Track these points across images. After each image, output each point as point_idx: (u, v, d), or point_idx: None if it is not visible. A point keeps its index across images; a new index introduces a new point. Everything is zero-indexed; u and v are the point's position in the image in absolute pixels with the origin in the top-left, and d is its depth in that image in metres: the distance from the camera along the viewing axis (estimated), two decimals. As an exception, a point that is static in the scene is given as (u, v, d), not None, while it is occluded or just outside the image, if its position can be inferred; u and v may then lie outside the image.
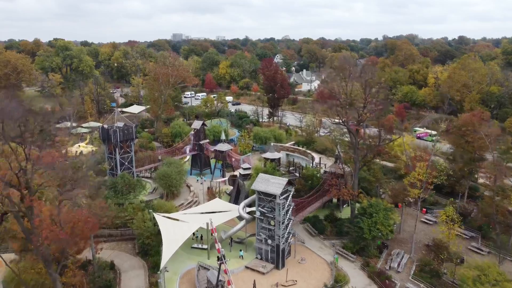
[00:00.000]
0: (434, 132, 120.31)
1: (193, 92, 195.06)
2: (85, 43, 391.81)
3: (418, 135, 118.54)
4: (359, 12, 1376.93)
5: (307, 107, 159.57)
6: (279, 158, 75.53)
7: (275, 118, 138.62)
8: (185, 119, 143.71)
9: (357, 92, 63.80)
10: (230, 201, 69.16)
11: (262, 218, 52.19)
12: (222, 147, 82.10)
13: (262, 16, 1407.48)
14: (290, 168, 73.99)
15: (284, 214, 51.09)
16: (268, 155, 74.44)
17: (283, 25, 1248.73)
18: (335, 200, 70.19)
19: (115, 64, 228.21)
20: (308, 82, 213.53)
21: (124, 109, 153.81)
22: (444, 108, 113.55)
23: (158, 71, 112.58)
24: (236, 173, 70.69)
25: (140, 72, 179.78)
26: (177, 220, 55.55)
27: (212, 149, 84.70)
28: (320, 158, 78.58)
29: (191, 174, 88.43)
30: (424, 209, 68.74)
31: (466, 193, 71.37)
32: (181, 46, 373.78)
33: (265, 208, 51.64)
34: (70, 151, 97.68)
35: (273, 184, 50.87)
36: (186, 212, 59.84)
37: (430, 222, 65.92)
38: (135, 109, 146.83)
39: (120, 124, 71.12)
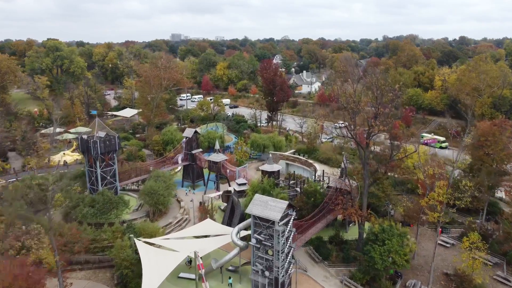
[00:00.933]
0: (442, 138, 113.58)
1: (189, 94, 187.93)
2: (80, 43, 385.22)
3: (425, 141, 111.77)
4: (358, 13, 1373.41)
5: (307, 110, 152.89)
6: (278, 171, 68.50)
7: (274, 122, 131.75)
8: (179, 124, 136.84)
9: (365, 99, 56.82)
10: (223, 221, 62.20)
11: (259, 246, 45.17)
12: (216, 157, 75.05)
13: (261, 16, 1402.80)
14: (290, 182, 66.98)
15: (283, 243, 44.09)
16: (266, 167, 67.42)
17: (282, 25, 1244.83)
18: (340, 216, 63.18)
19: (110, 65, 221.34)
20: (309, 84, 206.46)
21: (116, 113, 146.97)
22: (468, 117, 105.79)
23: (149, 74, 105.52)
24: (231, 188, 63.62)
25: (133, 74, 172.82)
26: (162, 246, 48.67)
27: (205, 160, 77.58)
28: (323, 171, 71.50)
29: (182, 186, 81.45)
30: (440, 229, 61.76)
31: (485, 210, 64.48)
32: (179, 47, 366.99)
33: (261, 235, 44.63)
34: (53, 159, 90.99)
35: (272, 208, 43.85)
36: (173, 236, 52.78)
37: (447, 245, 58.95)
38: (127, 112, 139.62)
39: (102, 134, 64.05)
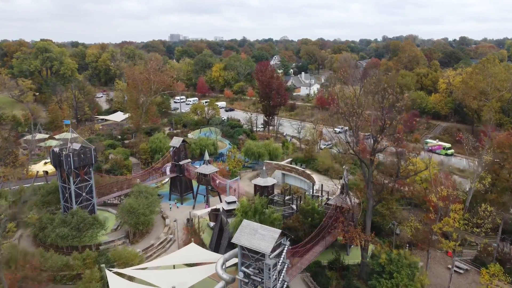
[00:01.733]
0: (448, 145, 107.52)
1: (183, 97, 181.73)
2: (75, 44, 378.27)
3: (430, 148, 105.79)
4: (356, 13, 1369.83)
5: (306, 114, 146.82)
6: (273, 185, 62.32)
7: (270, 127, 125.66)
8: (171, 128, 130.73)
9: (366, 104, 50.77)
10: (211, 242, 56.10)
11: (247, 281, 39.03)
12: (206, 169, 68.92)
13: (259, 16, 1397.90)
14: (286, 198, 60.82)
15: (275, 278, 37.97)
16: (259, 181, 61.26)
17: (281, 25, 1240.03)
18: (340, 237, 57.00)
19: (103, 67, 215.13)
20: (307, 86, 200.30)
21: (106, 117, 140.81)
22: (490, 123, 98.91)
23: (137, 77, 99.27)
24: (220, 206, 57.44)
25: (125, 76, 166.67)
26: (136, 279, 42.54)
27: (194, 171, 71.47)
28: (321, 185, 65.20)
29: (169, 199, 75.39)
30: (450, 252, 55.67)
31: (501, 228, 58.34)
32: (176, 47, 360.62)
33: (250, 269, 38.48)
34: (32, 170, 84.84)
35: (262, 237, 37.70)
36: (151, 265, 46.60)
37: (461, 271, 52.85)
38: (118, 116, 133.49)
39: (76, 146, 57.79)
